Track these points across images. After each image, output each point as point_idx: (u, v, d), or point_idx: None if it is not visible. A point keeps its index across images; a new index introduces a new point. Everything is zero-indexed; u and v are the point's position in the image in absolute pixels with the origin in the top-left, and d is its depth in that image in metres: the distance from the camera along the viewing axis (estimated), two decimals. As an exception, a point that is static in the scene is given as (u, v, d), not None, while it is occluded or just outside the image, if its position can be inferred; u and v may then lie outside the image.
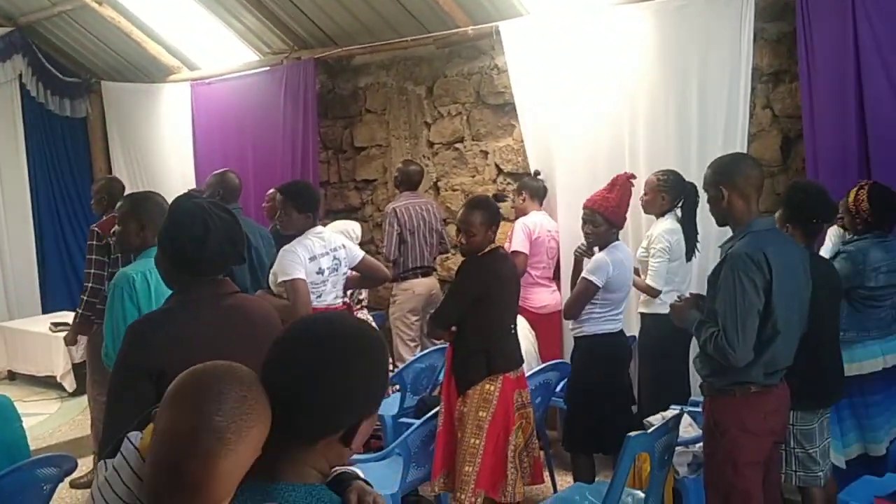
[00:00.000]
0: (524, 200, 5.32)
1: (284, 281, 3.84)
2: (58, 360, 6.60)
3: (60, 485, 3.37)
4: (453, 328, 3.77)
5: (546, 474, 4.25)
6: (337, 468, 1.42)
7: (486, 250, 3.73)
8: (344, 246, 4.19)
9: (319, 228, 4.15)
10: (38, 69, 8.52)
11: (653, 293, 4.32)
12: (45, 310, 8.32)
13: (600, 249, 4.01)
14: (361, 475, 1.47)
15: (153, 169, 8.45)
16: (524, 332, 4.49)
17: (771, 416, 3.04)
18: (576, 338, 4.12)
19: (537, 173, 5.43)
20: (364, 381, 1.36)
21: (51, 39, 8.55)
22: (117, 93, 8.74)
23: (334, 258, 4.08)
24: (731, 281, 2.87)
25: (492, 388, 3.66)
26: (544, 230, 5.25)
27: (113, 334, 3.09)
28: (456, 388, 3.73)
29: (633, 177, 4.11)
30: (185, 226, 2.18)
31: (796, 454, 3.44)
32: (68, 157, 8.99)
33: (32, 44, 8.44)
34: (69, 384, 6.59)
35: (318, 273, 3.98)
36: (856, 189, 3.83)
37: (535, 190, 5.36)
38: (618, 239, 4.05)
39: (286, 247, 3.99)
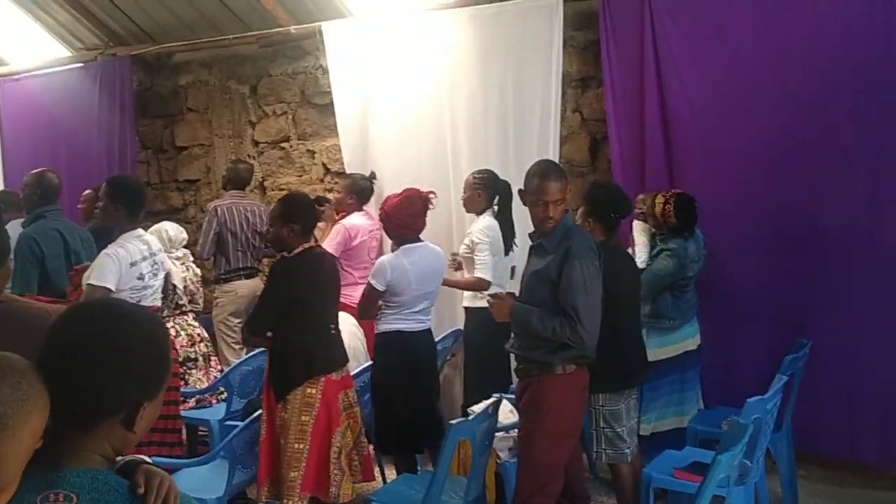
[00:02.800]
0: (350, 201, 5.32)
1: (91, 284, 3.67)
2: None
3: None
4: (269, 333, 3.69)
5: (377, 470, 4.29)
6: (126, 457, 1.41)
7: (300, 250, 3.66)
8: (161, 250, 4.11)
9: (140, 231, 3.99)
10: None
11: (483, 285, 4.42)
12: None
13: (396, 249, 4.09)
14: (149, 460, 1.45)
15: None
16: (352, 330, 4.51)
17: (584, 392, 3.31)
18: (376, 334, 4.15)
19: (373, 175, 5.46)
20: (138, 362, 1.34)
21: None
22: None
23: (154, 263, 3.96)
24: (580, 271, 3.10)
25: (313, 391, 3.59)
26: (365, 231, 5.26)
27: None
28: (275, 395, 3.63)
29: (430, 195, 4.12)
30: None
31: (605, 433, 3.70)
32: None
33: None
34: None
35: (138, 279, 3.83)
36: (662, 201, 4.20)
37: (362, 191, 5.37)
38: (418, 241, 4.06)
39: (108, 249, 3.80)
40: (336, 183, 5.97)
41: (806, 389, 4.23)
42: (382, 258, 4.09)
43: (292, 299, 3.58)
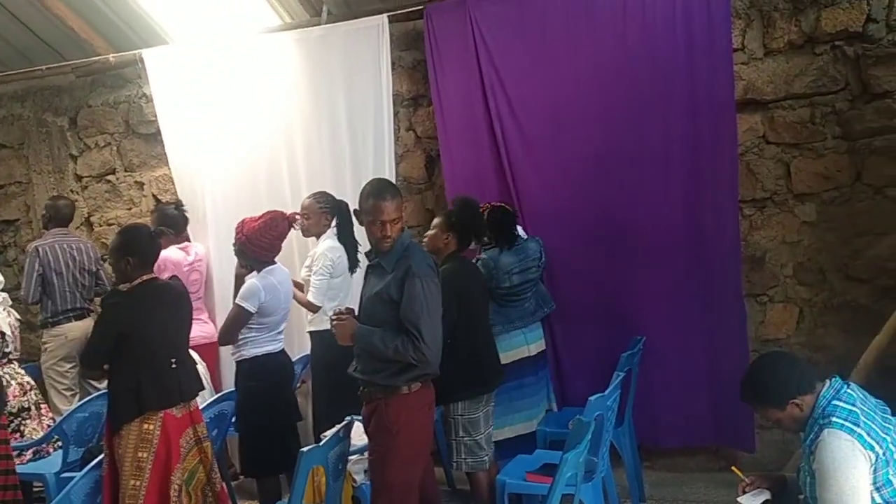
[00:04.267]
0: (167, 234, 5.05)
1: None
2: None
3: None
4: (105, 367, 3.58)
5: (231, 504, 4.18)
6: None
7: (137, 283, 3.57)
8: None
9: None
10: None
11: (312, 308, 4.46)
12: None
13: (257, 272, 4.06)
14: None
15: None
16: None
17: (431, 408, 3.33)
18: (237, 362, 4.13)
19: (180, 203, 5.28)
20: None
21: None
22: None
23: None
24: (422, 289, 3.10)
25: (150, 426, 3.48)
26: (181, 265, 5.10)
27: None
28: (110, 430, 3.53)
29: (295, 215, 4.23)
30: None
31: (465, 442, 3.77)
32: None
33: None
34: None
35: None
36: (483, 211, 4.29)
37: (173, 222, 5.13)
38: (274, 263, 4.12)
39: None
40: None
41: (642, 383, 4.47)
42: (252, 280, 4.00)
43: (120, 333, 3.47)
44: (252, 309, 3.93)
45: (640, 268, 4.58)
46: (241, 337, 4.04)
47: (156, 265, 4.82)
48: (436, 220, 4.03)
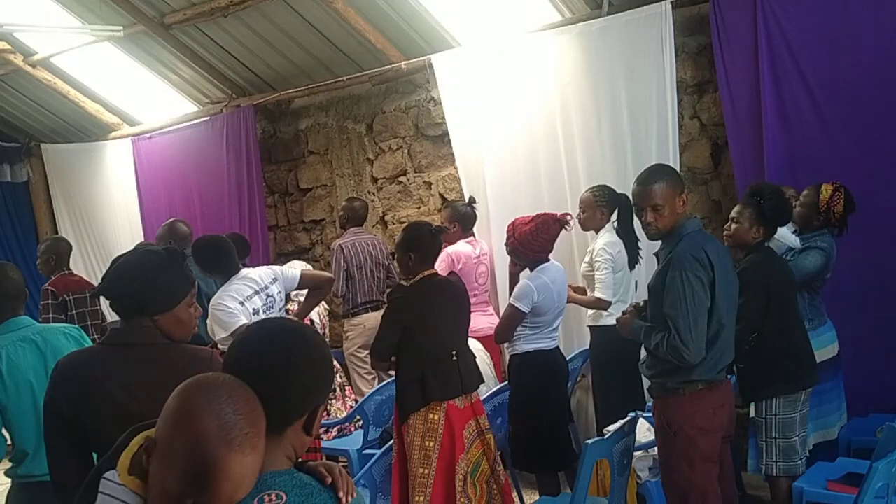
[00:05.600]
0: (454, 229, 5.34)
1: (232, 333, 3.72)
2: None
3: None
4: (393, 358, 3.77)
5: (516, 497, 4.25)
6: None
7: (419, 277, 3.73)
8: (276, 279, 4.11)
9: (245, 271, 4.07)
10: (-26, 136, 8.47)
11: (602, 305, 4.39)
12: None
13: (530, 270, 4.08)
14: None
15: (100, 226, 8.39)
16: (479, 356, 4.52)
17: (719, 412, 3.13)
18: (510, 356, 4.18)
19: (473, 200, 5.50)
20: (318, 368, 1.50)
21: (-14, 105, 8.50)
22: (58, 154, 8.68)
23: (268, 296, 4.02)
24: (680, 282, 2.96)
25: (435, 416, 3.62)
26: (471, 258, 5.29)
27: None
28: (399, 419, 3.71)
29: (566, 216, 4.13)
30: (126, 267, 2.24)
31: (778, 444, 3.54)
32: (12, 221, 8.89)
33: (-33, 111, 8.40)
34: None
35: (254, 314, 3.92)
36: (831, 189, 3.96)
37: (463, 217, 5.40)
38: (547, 260, 4.10)
39: (213, 302, 3.92)
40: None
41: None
42: (525, 281, 4.04)
43: (404, 326, 3.65)
44: (525, 309, 3.95)
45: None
46: (515, 334, 4.08)
47: (448, 259, 5.12)
48: (740, 212, 3.66)
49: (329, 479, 1.47)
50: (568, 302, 4.29)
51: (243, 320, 3.78)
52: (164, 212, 7.24)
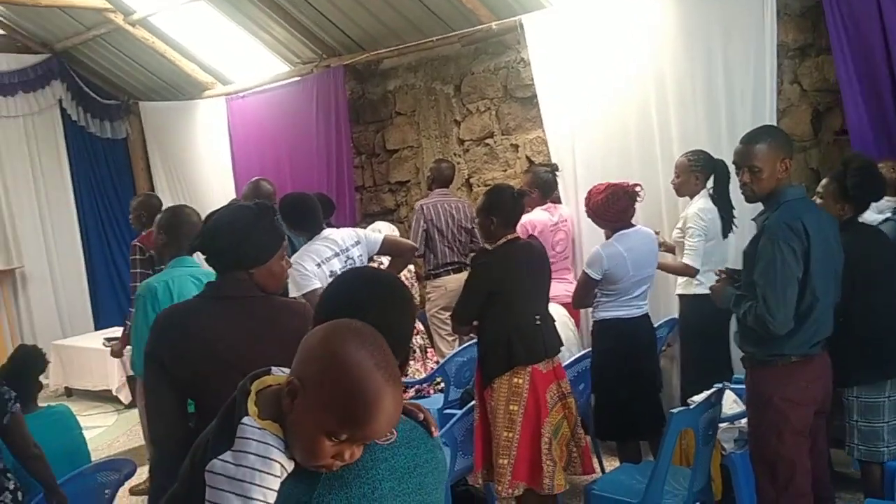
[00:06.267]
0: (533, 195, 5.16)
1: (304, 295, 3.76)
2: (113, 374, 6.81)
3: (120, 490, 3.48)
4: (475, 322, 3.77)
5: (595, 462, 4.24)
6: None
7: (501, 242, 3.69)
8: (358, 242, 4.11)
9: (328, 232, 4.07)
10: (76, 93, 8.82)
11: (690, 272, 4.32)
12: (98, 326, 8.60)
13: (609, 237, 4.05)
14: None
15: (194, 183, 8.66)
16: (563, 321, 4.50)
17: (812, 385, 3.04)
18: (594, 322, 4.18)
19: (556, 168, 5.40)
20: (411, 312, 1.69)
21: (87, 63, 8.82)
22: (155, 112, 8.97)
23: (348, 258, 4.01)
24: (771, 250, 2.88)
25: (520, 381, 3.61)
26: (547, 225, 5.20)
27: (138, 343, 3.16)
28: (482, 383, 3.71)
29: (636, 187, 4.05)
30: (224, 222, 2.31)
31: (859, 427, 3.43)
32: (111, 177, 9.26)
33: (70, 69, 8.73)
34: (125, 396, 6.78)
35: (330, 276, 3.86)
36: None
37: (545, 184, 5.29)
38: (630, 226, 4.04)
39: (293, 260, 3.82)
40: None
41: None
42: (597, 247, 4.04)
43: (489, 291, 3.63)
44: (595, 276, 3.94)
45: None
46: (595, 301, 4.08)
47: (522, 229, 5.08)
48: (825, 187, 3.52)
49: (422, 416, 1.58)
50: (658, 268, 4.23)
51: (317, 284, 3.79)
52: (255, 170, 7.38)
